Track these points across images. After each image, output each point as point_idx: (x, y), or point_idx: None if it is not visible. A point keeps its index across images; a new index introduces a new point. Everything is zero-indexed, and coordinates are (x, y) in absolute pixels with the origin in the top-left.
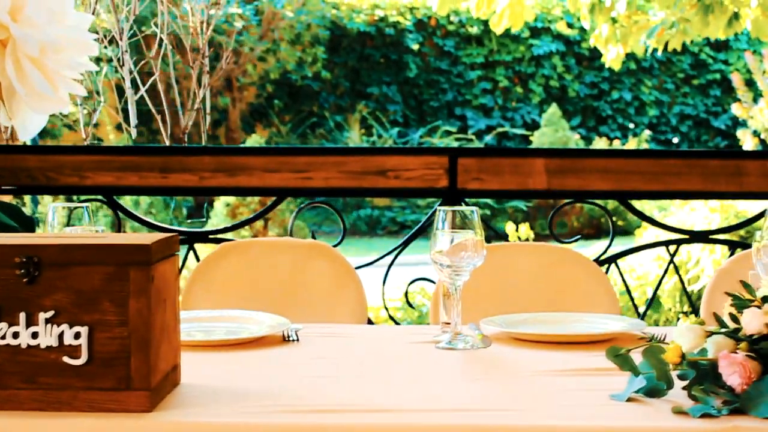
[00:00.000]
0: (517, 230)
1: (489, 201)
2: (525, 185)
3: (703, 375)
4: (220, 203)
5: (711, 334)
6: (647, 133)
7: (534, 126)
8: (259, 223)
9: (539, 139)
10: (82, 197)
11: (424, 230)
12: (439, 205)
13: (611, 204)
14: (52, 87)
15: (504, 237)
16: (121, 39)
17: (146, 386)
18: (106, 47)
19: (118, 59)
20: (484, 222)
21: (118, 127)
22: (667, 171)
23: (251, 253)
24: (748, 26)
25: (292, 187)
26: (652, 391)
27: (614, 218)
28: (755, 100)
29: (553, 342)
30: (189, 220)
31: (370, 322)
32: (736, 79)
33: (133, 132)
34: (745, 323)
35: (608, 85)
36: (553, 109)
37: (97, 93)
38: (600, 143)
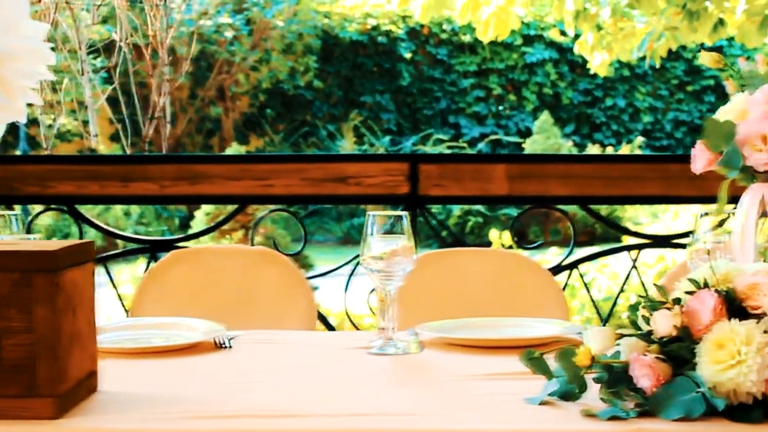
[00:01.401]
0: (500, 237)
1: (481, 208)
2: (486, 191)
3: (617, 378)
4: (201, 212)
5: (622, 336)
6: (641, 139)
7: (528, 133)
8: (241, 233)
9: (531, 147)
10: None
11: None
12: (401, 211)
13: (605, 210)
14: (8, 97)
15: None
16: (80, 48)
17: (53, 393)
18: (96, 57)
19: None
20: (477, 230)
21: (113, 138)
22: (627, 175)
23: (201, 260)
24: (734, 32)
25: (253, 194)
26: (566, 395)
27: (598, 224)
28: None
29: (485, 347)
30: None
31: (331, 327)
32: (730, 86)
33: (93, 141)
34: (655, 325)
35: (602, 92)
36: (545, 117)
37: (58, 103)
38: (593, 150)
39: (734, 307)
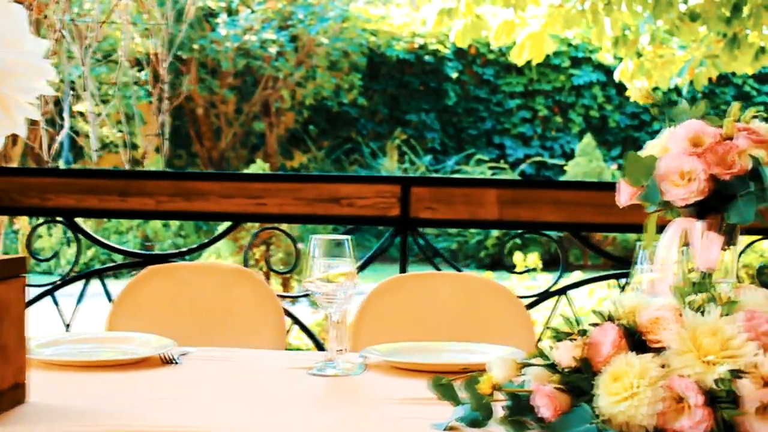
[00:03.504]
0: (524, 260)
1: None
2: (476, 215)
3: (521, 406)
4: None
5: (525, 365)
6: None
7: (573, 156)
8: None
9: (573, 170)
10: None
11: (375, 259)
12: (391, 234)
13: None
14: (4, 110)
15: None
16: (83, 64)
17: None
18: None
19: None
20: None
21: (158, 149)
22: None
23: (176, 277)
24: None
25: (247, 212)
26: (473, 422)
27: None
28: None
29: (423, 371)
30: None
31: (318, 342)
32: None
33: (94, 156)
34: (557, 357)
35: (649, 116)
36: (588, 140)
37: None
38: None
39: (635, 340)
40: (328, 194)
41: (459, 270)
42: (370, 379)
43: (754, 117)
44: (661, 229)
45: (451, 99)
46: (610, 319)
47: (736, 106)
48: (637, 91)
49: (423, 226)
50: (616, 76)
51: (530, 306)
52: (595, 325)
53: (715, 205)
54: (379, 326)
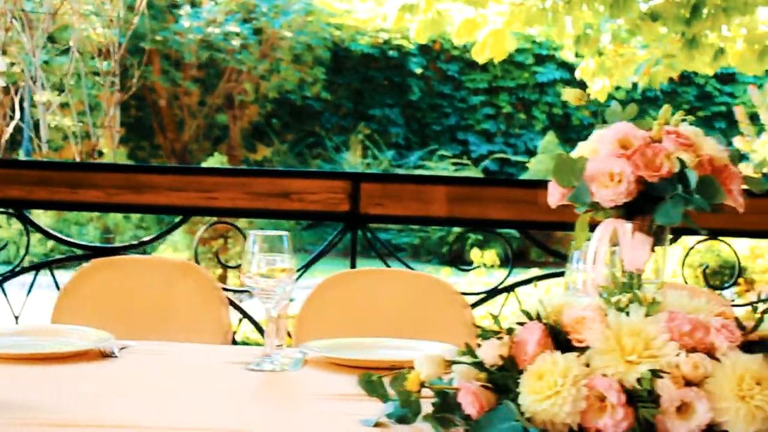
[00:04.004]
0: (482, 257)
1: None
2: (426, 212)
3: (448, 403)
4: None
5: (452, 363)
6: None
7: (535, 153)
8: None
9: (535, 166)
10: None
11: (324, 254)
12: (341, 230)
13: None
14: None
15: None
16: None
17: None
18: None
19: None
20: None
21: (121, 140)
22: (567, 203)
23: (121, 270)
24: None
25: (198, 206)
26: (401, 418)
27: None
28: (758, 134)
29: (362, 367)
30: None
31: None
32: (739, 112)
33: (44, 147)
34: (482, 354)
35: None
36: (550, 137)
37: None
38: None
39: (560, 339)
40: (278, 189)
41: (408, 266)
42: (306, 374)
43: (683, 120)
44: (594, 229)
45: (415, 94)
46: (536, 318)
47: (666, 109)
48: (570, 93)
49: (373, 222)
50: (578, 75)
51: (480, 303)
52: (521, 324)
53: (644, 206)
54: (323, 322)
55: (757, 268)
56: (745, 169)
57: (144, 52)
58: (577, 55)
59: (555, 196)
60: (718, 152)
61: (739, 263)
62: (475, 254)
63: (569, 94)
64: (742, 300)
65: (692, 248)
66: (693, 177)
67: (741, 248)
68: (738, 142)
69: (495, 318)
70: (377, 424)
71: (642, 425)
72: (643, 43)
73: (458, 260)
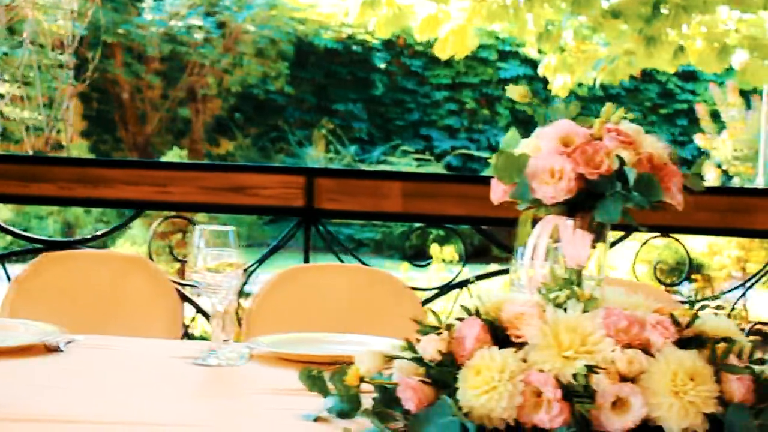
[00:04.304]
0: (441, 252)
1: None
2: (380, 207)
3: (388, 398)
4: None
5: (392, 358)
6: None
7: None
8: None
9: None
10: None
11: (278, 249)
12: (296, 225)
13: None
14: None
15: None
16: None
17: None
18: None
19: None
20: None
21: (83, 134)
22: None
23: (71, 265)
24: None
25: (151, 200)
26: (342, 412)
27: None
28: (719, 132)
29: (308, 362)
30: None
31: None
32: (701, 110)
33: None
34: (421, 349)
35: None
36: (512, 133)
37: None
38: None
39: (499, 335)
40: (232, 184)
41: (362, 262)
42: (252, 369)
43: (624, 118)
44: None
45: (378, 89)
46: (476, 314)
47: (608, 107)
48: (515, 90)
49: (327, 217)
50: (540, 71)
51: (434, 298)
52: (460, 319)
53: (585, 203)
54: (273, 317)
55: (715, 265)
56: (706, 166)
57: (100, 44)
58: (540, 52)
59: (498, 192)
60: (659, 150)
61: (690, 260)
62: (434, 250)
63: (514, 92)
64: (700, 297)
65: (645, 244)
66: (632, 174)
67: (699, 246)
68: (699, 139)
69: (435, 313)
70: (318, 419)
71: (578, 420)
72: (605, 40)
73: (419, 256)
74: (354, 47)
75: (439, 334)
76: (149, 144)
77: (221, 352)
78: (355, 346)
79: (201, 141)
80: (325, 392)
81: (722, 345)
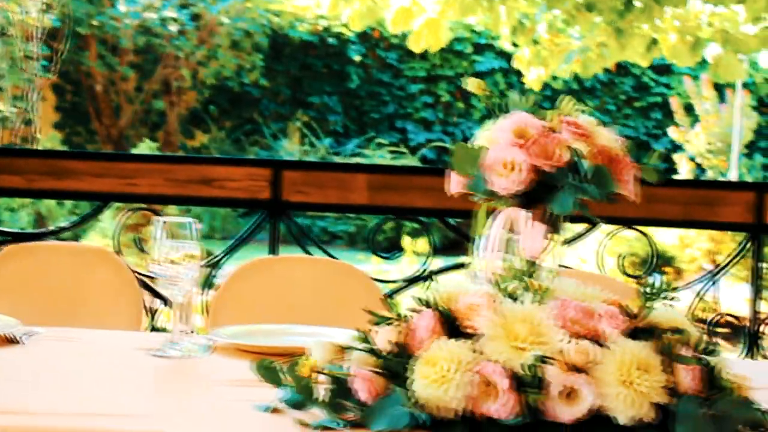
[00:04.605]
0: (413, 244)
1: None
2: (347, 200)
3: (344, 390)
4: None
5: (346, 349)
6: None
7: None
8: None
9: None
10: None
11: (245, 241)
12: (262, 218)
13: None
14: None
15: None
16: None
17: None
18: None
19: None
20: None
21: (56, 126)
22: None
23: (35, 257)
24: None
25: (118, 192)
26: (296, 404)
27: None
28: (693, 125)
29: (268, 354)
30: None
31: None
32: (675, 103)
33: None
34: (376, 341)
35: (550, 104)
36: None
37: None
38: None
39: (452, 326)
40: (199, 176)
41: (330, 254)
42: (212, 361)
43: (582, 111)
44: None
45: (354, 82)
46: (431, 305)
47: (566, 99)
48: (471, 82)
49: (294, 210)
50: (514, 64)
51: (401, 290)
52: (415, 310)
53: (541, 195)
54: (237, 309)
55: (686, 258)
56: (680, 159)
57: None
58: (515, 45)
59: (454, 184)
60: (613, 143)
61: (657, 252)
62: (407, 242)
63: (471, 84)
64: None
65: (610, 236)
66: (585, 166)
67: (670, 238)
68: (673, 132)
69: (390, 304)
70: (273, 410)
71: (528, 410)
72: (579, 33)
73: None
74: (329, 40)
75: (393, 325)
76: (123, 137)
77: (182, 343)
78: (317, 338)
79: (176, 133)
80: (279, 383)
81: (673, 336)
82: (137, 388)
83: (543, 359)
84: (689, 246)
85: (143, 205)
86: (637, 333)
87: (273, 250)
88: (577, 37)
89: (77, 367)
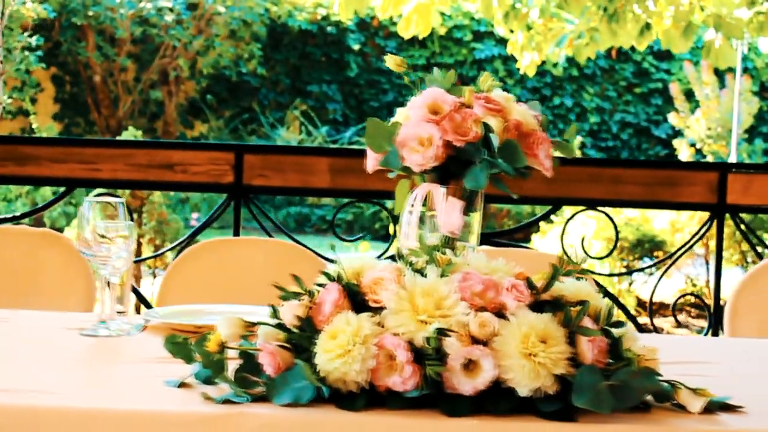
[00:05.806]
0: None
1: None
2: (308, 183)
3: (252, 365)
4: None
5: (254, 324)
6: (579, 139)
7: None
8: None
9: None
10: None
11: (208, 225)
12: (224, 201)
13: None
14: None
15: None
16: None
17: None
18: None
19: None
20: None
21: (55, 117)
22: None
23: None
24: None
25: (80, 177)
26: (206, 379)
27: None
28: (693, 111)
29: (197, 332)
30: None
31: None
32: (674, 89)
33: None
34: (282, 315)
35: (550, 90)
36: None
37: None
38: None
39: (358, 300)
40: (160, 160)
41: (294, 239)
42: (140, 339)
43: (497, 87)
44: None
45: (353, 71)
46: (337, 279)
47: (484, 75)
48: (391, 59)
49: (256, 193)
50: (508, 49)
51: None
52: (321, 285)
53: (455, 171)
54: (188, 288)
55: (677, 242)
56: (680, 144)
57: (54, 26)
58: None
59: (371, 161)
60: (527, 118)
61: (617, 233)
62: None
63: (389, 61)
64: (659, 272)
65: (572, 218)
66: (495, 141)
67: (661, 223)
68: (673, 118)
69: (297, 279)
70: (182, 385)
71: (429, 382)
72: (574, 16)
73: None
74: (328, 28)
75: (300, 299)
76: (122, 127)
77: (113, 323)
78: (252, 317)
79: (174, 123)
80: (188, 358)
81: (576, 308)
82: (59, 365)
83: (444, 332)
84: (680, 231)
85: (104, 191)
86: (543, 306)
87: (236, 234)
88: (571, 22)
89: (2, 345)
